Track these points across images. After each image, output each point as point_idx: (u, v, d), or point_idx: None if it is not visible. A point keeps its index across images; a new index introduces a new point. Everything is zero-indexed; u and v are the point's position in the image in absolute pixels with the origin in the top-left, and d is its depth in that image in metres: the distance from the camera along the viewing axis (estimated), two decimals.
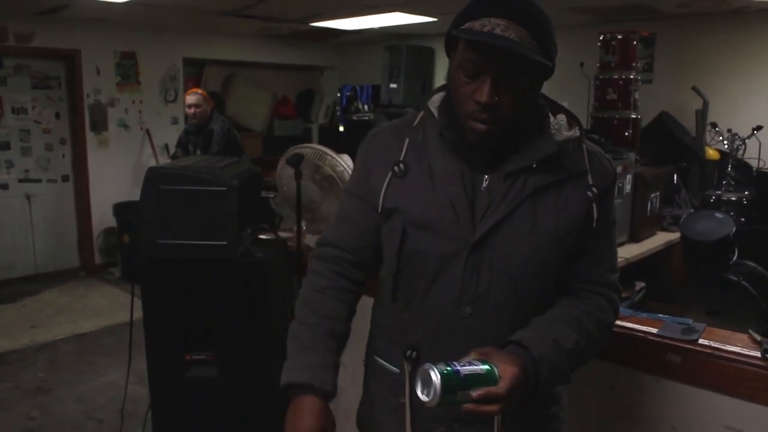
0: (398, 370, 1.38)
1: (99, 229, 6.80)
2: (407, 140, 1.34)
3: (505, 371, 1.12)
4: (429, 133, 1.32)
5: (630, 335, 1.77)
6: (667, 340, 1.70)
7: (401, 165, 1.32)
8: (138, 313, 2.56)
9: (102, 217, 6.71)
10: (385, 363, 1.43)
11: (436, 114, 1.32)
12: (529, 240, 1.25)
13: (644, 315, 1.86)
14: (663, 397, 1.74)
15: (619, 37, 4.25)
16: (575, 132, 1.30)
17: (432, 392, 1.06)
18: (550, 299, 1.33)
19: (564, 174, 1.27)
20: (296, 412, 1.28)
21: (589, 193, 1.28)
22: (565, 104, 1.35)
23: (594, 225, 1.28)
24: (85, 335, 5.00)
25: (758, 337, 1.65)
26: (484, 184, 1.26)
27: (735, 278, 3.74)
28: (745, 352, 1.60)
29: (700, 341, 1.67)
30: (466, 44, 1.18)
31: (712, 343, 1.65)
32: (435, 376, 1.05)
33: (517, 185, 1.24)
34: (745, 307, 3.65)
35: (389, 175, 1.33)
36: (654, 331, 1.75)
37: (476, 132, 1.20)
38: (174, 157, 5.58)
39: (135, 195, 6.49)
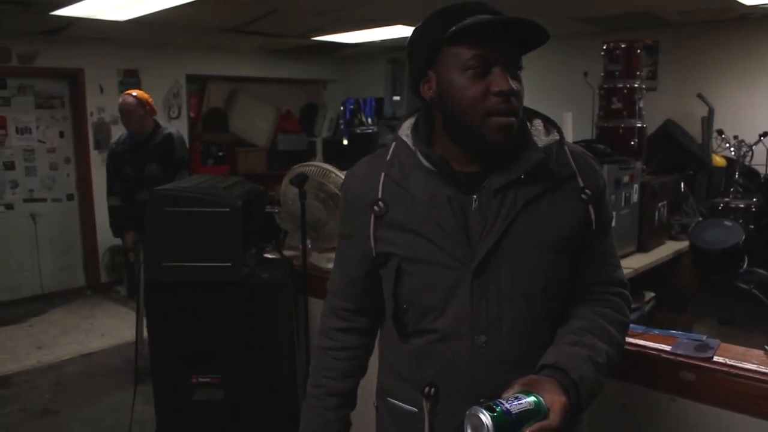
0: (416, 409, 1.32)
1: (104, 248, 6.78)
2: (382, 175, 1.30)
3: (553, 401, 1.07)
4: (405, 163, 1.28)
5: (642, 353, 1.73)
6: (680, 358, 1.67)
7: (380, 203, 1.28)
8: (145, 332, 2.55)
9: (107, 235, 6.64)
10: (400, 403, 1.37)
11: (409, 142, 1.29)
12: (532, 253, 1.22)
13: (656, 332, 1.82)
14: (677, 417, 1.70)
15: (623, 45, 4.21)
16: (555, 136, 1.28)
17: None
18: (561, 310, 1.30)
19: (553, 180, 1.24)
20: None
21: (583, 196, 1.25)
22: (570, 115, 1.34)
23: (594, 227, 1.26)
24: (92, 355, 4.97)
25: None
26: (474, 205, 1.23)
27: (746, 287, 3.70)
28: (762, 369, 1.56)
29: (715, 358, 1.64)
30: (468, 42, 1.16)
31: (728, 361, 1.62)
32: (486, 420, 1.00)
33: (509, 200, 1.21)
34: (757, 315, 3.61)
35: (372, 218, 1.29)
36: (667, 348, 1.71)
37: (501, 128, 1.17)
38: (110, 189, 4.70)
39: None
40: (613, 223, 3.07)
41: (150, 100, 4.46)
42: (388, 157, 1.31)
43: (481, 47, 1.16)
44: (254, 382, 2.48)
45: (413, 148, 1.28)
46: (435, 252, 1.23)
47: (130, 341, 5.07)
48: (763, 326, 3.56)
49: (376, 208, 1.28)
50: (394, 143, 1.32)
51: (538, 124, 1.29)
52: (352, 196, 1.35)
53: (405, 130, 1.31)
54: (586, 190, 1.25)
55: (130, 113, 4.35)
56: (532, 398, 1.06)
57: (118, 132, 6.69)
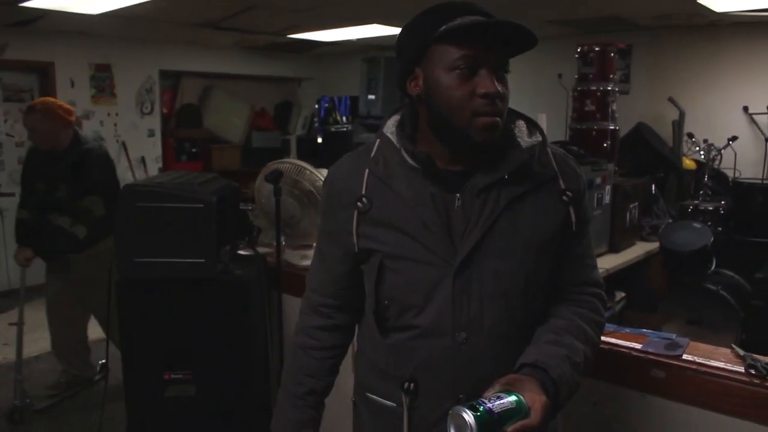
0: (395, 405, 1.33)
1: None
2: (366, 171, 1.30)
3: (533, 400, 1.09)
4: (390, 160, 1.28)
5: (614, 351, 1.75)
6: (651, 356, 1.69)
7: (363, 200, 1.28)
8: None
9: None
10: (380, 399, 1.37)
11: (394, 140, 1.29)
12: (514, 252, 1.24)
13: (627, 330, 1.85)
14: (647, 413, 1.72)
15: (597, 49, 4.26)
16: (538, 137, 1.29)
17: None
18: (541, 309, 1.31)
19: (535, 181, 1.26)
20: None
21: (564, 198, 1.27)
22: (544, 116, 1.36)
23: (574, 228, 1.28)
24: None
25: (741, 352, 1.64)
26: (457, 204, 1.24)
27: (714, 287, 3.78)
28: (729, 367, 1.59)
29: (684, 356, 1.66)
30: (457, 42, 1.17)
31: (696, 359, 1.65)
32: (470, 419, 1.01)
33: (491, 199, 1.22)
34: (724, 315, 3.68)
35: (355, 214, 1.29)
36: (638, 346, 1.74)
37: (487, 127, 1.18)
38: (21, 201, 3.84)
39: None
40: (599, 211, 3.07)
41: (63, 108, 3.62)
42: (373, 153, 1.31)
43: (470, 48, 1.16)
44: (227, 379, 2.46)
45: (398, 145, 1.28)
46: (418, 249, 1.24)
47: (100, 338, 5.00)
48: (731, 326, 3.63)
49: (359, 204, 1.28)
50: (378, 140, 1.32)
51: (521, 125, 1.30)
52: (336, 191, 1.35)
53: (390, 128, 1.32)
54: (568, 192, 1.27)
55: (34, 131, 3.57)
56: (513, 397, 1.07)
57: (90, 127, 6.64)
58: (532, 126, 1.31)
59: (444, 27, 1.17)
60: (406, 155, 1.26)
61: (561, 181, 1.27)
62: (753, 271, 3.65)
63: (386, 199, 1.27)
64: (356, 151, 1.38)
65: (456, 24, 1.16)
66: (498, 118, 1.19)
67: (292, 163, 2.62)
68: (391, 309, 1.30)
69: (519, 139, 1.27)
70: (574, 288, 1.34)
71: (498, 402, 1.05)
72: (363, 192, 1.28)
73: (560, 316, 1.30)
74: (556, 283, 1.33)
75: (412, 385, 1.29)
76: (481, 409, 1.03)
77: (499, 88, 1.17)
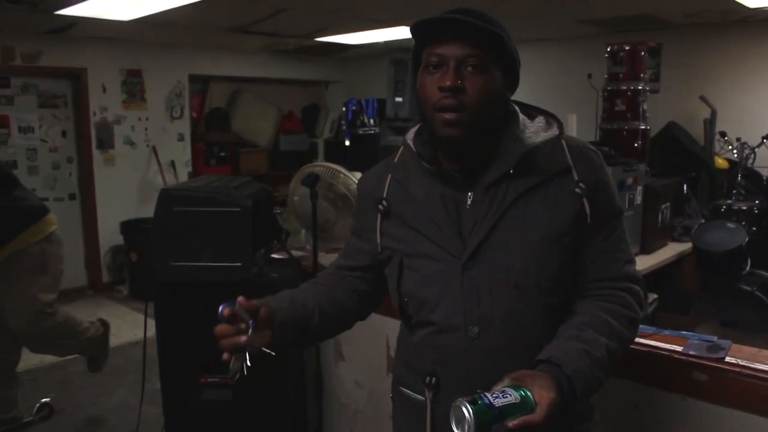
0: (422, 398, 1.37)
1: (106, 247, 6.79)
2: (389, 177, 1.40)
3: (541, 396, 1.08)
4: (409, 165, 1.36)
5: (654, 354, 1.74)
6: (692, 359, 1.67)
7: (384, 203, 1.38)
8: (150, 332, 2.54)
9: (109, 234, 6.70)
10: (410, 393, 1.43)
11: (411, 144, 1.36)
12: (523, 246, 1.25)
13: (667, 332, 1.83)
14: (689, 417, 1.71)
15: (627, 48, 4.22)
16: (555, 131, 1.31)
17: (466, 429, 1.03)
18: (565, 306, 1.31)
19: (545, 175, 1.27)
20: None
21: (577, 189, 1.26)
22: (574, 117, 1.37)
23: (589, 221, 1.27)
24: None
25: None
26: (469, 202, 1.28)
27: (748, 288, 3.72)
28: None
29: (727, 359, 1.64)
30: (429, 41, 1.24)
31: (740, 361, 1.62)
32: (467, 413, 1.03)
33: (500, 195, 1.25)
34: (759, 317, 3.62)
35: (378, 215, 1.39)
36: (679, 349, 1.72)
37: (444, 121, 1.22)
38: None
39: (142, 212, 6.57)
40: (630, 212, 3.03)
41: None
42: (396, 159, 1.42)
43: (438, 46, 1.22)
44: (263, 383, 2.48)
45: (414, 150, 1.35)
46: (430, 247, 1.30)
47: (132, 341, 5.08)
48: (766, 328, 3.58)
49: (380, 206, 1.39)
50: (402, 147, 1.41)
51: (539, 120, 1.33)
52: (363, 194, 1.49)
53: (410, 134, 1.39)
54: (581, 184, 1.26)
55: None
56: (519, 392, 1.07)
57: (121, 132, 6.75)
58: (553, 120, 1.34)
59: (411, 25, 1.24)
60: (420, 158, 1.33)
61: (575, 173, 1.27)
62: None
63: (404, 201, 1.36)
64: (387, 158, 1.47)
65: (414, 22, 1.22)
66: (458, 114, 1.21)
67: (326, 166, 2.64)
68: (410, 306, 1.37)
69: (531, 134, 1.29)
70: (603, 283, 1.31)
71: (501, 396, 1.06)
72: (384, 195, 1.39)
73: (584, 311, 1.29)
74: (583, 278, 1.31)
75: (433, 379, 1.34)
76: (479, 403, 1.04)
77: (456, 82, 1.19)
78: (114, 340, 5.16)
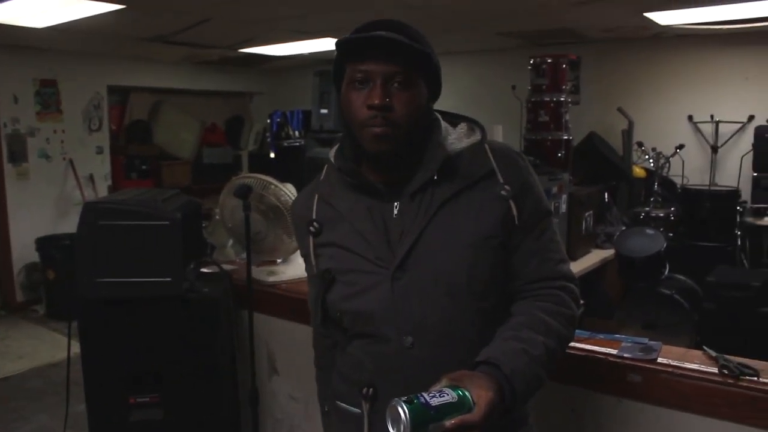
0: (360, 411, 1.36)
1: (20, 265, 6.46)
2: (316, 197, 1.39)
3: (479, 396, 1.08)
4: (333, 182, 1.36)
5: (589, 357, 1.77)
6: (627, 361, 1.72)
7: (315, 224, 1.37)
8: (73, 352, 2.42)
9: (23, 251, 6.38)
10: (347, 406, 1.41)
11: (332, 160, 1.36)
12: (451, 251, 1.25)
13: (601, 336, 1.87)
14: (625, 418, 1.75)
15: (549, 60, 4.35)
16: (477, 136, 1.32)
17: (401, 429, 1.02)
18: (500, 309, 1.31)
19: (469, 179, 1.28)
20: None
21: (502, 192, 1.27)
22: (500, 128, 1.39)
23: (516, 222, 1.28)
24: (9, 378, 4.70)
25: (713, 354, 1.68)
26: (395, 212, 1.28)
27: (668, 292, 3.87)
28: (703, 368, 1.63)
29: (659, 360, 1.69)
30: (351, 58, 1.23)
31: (671, 362, 1.68)
32: (403, 412, 1.02)
33: (425, 202, 1.26)
34: (679, 319, 3.77)
35: (311, 238, 1.37)
36: (613, 351, 1.76)
37: (374, 137, 1.22)
38: None
39: (59, 228, 6.30)
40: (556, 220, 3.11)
41: None
42: (321, 178, 1.41)
43: (363, 63, 1.21)
44: (195, 400, 2.39)
45: (335, 166, 1.35)
46: (359, 261, 1.29)
47: (50, 362, 4.85)
48: (685, 329, 3.73)
49: (311, 228, 1.37)
50: (326, 166, 1.40)
51: (461, 127, 1.34)
52: (295, 219, 1.47)
53: (333, 151, 1.39)
54: (506, 186, 1.27)
55: None
56: (457, 392, 1.07)
57: (35, 145, 6.46)
58: (476, 126, 1.35)
59: (334, 44, 1.24)
60: (342, 173, 1.33)
61: (499, 176, 1.28)
62: (704, 274, 3.76)
63: (332, 219, 1.35)
64: (315, 179, 1.45)
65: (338, 40, 1.22)
66: (386, 129, 1.21)
67: (256, 177, 2.58)
68: (345, 320, 1.35)
69: (453, 140, 1.30)
70: (537, 284, 1.31)
71: (438, 395, 1.05)
72: (314, 216, 1.37)
73: (520, 312, 1.29)
74: (516, 281, 1.32)
75: (371, 390, 1.32)
76: (415, 402, 1.03)
77: (384, 100, 1.19)
78: (30, 363, 4.95)
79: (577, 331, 1.40)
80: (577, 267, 3.83)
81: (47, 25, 4.91)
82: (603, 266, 4.16)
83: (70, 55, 6.57)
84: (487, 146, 1.31)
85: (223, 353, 2.49)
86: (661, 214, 4.82)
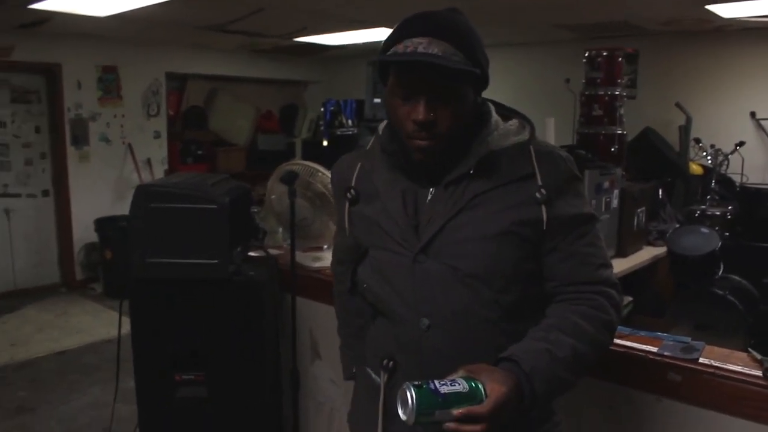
0: (379, 380, 1.40)
1: (80, 245, 6.70)
2: (359, 165, 1.42)
3: (492, 389, 1.09)
4: (377, 154, 1.38)
5: (629, 354, 1.75)
6: (667, 359, 1.69)
7: (352, 191, 1.40)
8: (124, 330, 2.51)
9: (83, 232, 6.61)
10: (371, 373, 1.46)
11: (380, 133, 1.39)
12: (475, 243, 1.25)
13: (642, 333, 1.84)
14: (663, 417, 1.72)
15: (605, 53, 4.27)
16: (524, 135, 1.31)
17: (408, 411, 1.05)
18: (526, 307, 1.30)
19: (506, 178, 1.27)
20: None
21: (537, 194, 1.26)
22: (552, 121, 1.37)
23: (546, 226, 1.26)
24: (66, 353, 4.90)
25: (758, 356, 1.64)
26: (429, 197, 1.30)
27: (721, 292, 3.77)
28: (746, 371, 1.59)
29: (701, 360, 1.66)
30: (395, 68, 1.23)
31: (713, 362, 1.64)
32: (410, 396, 1.05)
33: (458, 193, 1.27)
34: (732, 320, 3.67)
35: (347, 204, 1.41)
36: (654, 349, 1.73)
37: (419, 149, 1.24)
38: None
39: (117, 210, 6.49)
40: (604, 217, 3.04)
41: None
42: (368, 147, 1.44)
43: (403, 76, 1.22)
44: (238, 380, 2.46)
45: (381, 144, 1.37)
46: (386, 239, 1.32)
47: (105, 339, 5.02)
48: (738, 331, 3.63)
49: (348, 195, 1.40)
50: (374, 136, 1.43)
51: (512, 123, 1.33)
52: (334, 182, 1.52)
53: (382, 125, 1.40)
54: (543, 189, 1.26)
55: None
56: (470, 383, 1.08)
57: (96, 129, 6.66)
58: (527, 124, 1.34)
59: (387, 53, 1.23)
60: (384, 147, 1.35)
61: (538, 178, 1.27)
62: (760, 275, 3.66)
63: (369, 191, 1.38)
64: (358, 148, 1.50)
65: (386, 55, 1.23)
66: (430, 142, 1.23)
67: (304, 164, 2.62)
68: (368, 295, 1.41)
69: (498, 135, 1.29)
70: (574, 287, 1.30)
71: (449, 384, 1.07)
72: (353, 183, 1.41)
73: (553, 314, 1.29)
74: (552, 283, 1.31)
75: (391, 363, 1.36)
76: (424, 387, 1.06)
77: (429, 116, 1.20)
78: (86, 338, 5.14)
79: (618, 327, 1.38)
80: (628, 263, 3.77)
81: (109, 14, 5.05)
82: (654, 264, 4.08)
83: (130, 43, 6.74)
84: (532, 147, 1.30)
85: (266, 336, 2.54)
86: (718, 213, 4.67)
